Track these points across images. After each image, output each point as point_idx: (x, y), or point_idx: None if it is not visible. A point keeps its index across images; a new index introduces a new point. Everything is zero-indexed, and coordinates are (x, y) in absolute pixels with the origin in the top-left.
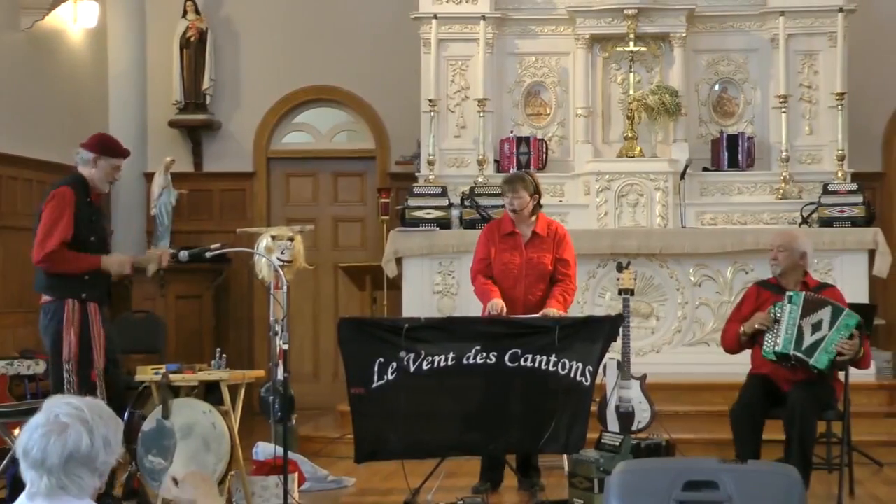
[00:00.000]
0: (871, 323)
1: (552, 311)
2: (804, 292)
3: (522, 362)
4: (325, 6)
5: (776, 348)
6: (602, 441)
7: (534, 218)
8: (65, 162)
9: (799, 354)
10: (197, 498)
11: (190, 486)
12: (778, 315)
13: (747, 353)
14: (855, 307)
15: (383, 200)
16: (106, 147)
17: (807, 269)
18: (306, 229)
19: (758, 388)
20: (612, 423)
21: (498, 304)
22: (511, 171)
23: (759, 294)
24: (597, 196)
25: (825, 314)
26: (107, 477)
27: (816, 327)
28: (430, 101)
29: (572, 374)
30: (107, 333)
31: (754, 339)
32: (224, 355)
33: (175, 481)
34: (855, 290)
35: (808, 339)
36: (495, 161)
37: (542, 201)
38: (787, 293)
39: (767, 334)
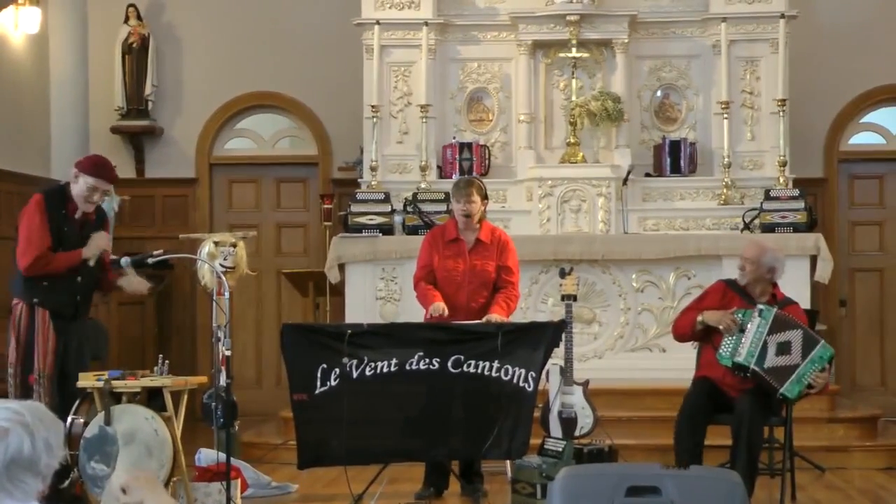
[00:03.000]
0: (813, 328)
1: (495, 316)
2: (775, 308)
3: (465, 368)
4: (267, 12)
5: (737, 358)
6: (545, 447)
7: (478, 224)
8: (6, 168)
9: (759, 371)
10: (145, 498)
11: (138, 488)
12: (744, 324)
13: (691, 358)
14: None
15: (326, 206)
16: (88, 165)
17: (776, 281)
18: (249, 235)
19: (702, 397)
20: (555, 429)
21: (439, 307)
22: (454, 177)
23: (725, 293)
24: (539, 202)
25: (795, 338)
26: (50, 480)
27: (783, 349)
28: (373, 107)
29: (515, 380)
30: (60, 342)
31: (706, 335)
32: (166, 361)
33: (123, 490)
34: (797, 295)
35: (772, 360)
36: (438, 167)
37: (486, 207)
38: (759, 306)
39: (727, 338)
